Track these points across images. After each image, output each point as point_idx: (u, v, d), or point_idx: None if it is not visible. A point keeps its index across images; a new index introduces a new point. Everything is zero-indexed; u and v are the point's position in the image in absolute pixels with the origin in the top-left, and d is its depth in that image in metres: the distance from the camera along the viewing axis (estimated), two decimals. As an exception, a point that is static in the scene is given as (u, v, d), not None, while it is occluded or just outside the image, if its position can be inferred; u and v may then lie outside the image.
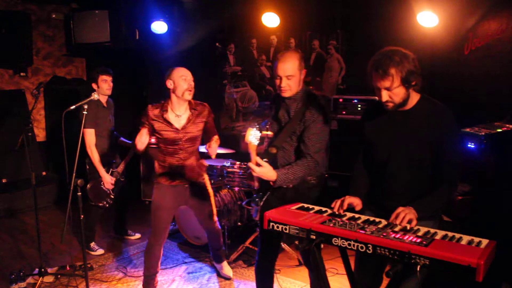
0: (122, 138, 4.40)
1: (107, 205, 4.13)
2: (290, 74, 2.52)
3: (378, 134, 2.26)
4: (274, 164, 2.59)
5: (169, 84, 3.11)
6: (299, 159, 2.56)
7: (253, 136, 2.48)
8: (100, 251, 4.28)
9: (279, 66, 2.53)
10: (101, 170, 4.00)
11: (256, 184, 2.74)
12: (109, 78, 4.09)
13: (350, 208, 2.27)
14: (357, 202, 2.26)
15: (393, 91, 2.05)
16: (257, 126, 2.55)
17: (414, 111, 2.14)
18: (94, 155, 3.95)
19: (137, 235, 4.70)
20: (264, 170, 2.42)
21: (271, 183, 2.49)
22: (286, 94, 2.59)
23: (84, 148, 3.90)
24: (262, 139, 2.62)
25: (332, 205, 2.27)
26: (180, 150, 3.20)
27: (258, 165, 2.44)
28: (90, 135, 3.95)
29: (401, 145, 2.16)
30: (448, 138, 2.08)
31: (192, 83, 3.13)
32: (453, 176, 2.12)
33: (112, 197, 4.13)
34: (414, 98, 2.14)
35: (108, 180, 4.04)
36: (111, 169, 4.12)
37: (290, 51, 2.61)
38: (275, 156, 2.59)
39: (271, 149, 2.59)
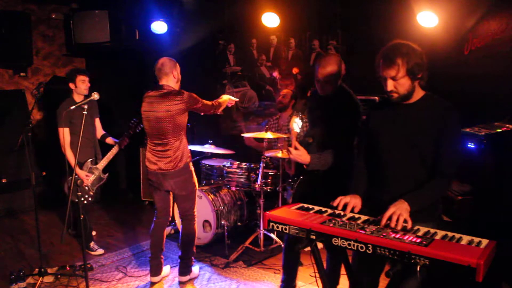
0: (111, 138, 4.38)
1: (85, 202, 4.09)
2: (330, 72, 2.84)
3: (382, 126, 2.28)
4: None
5: (177, 75, 3.45)
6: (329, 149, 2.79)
7: (296, 123, 2.82)
8: (100, 251, 4.28)
9: (319, 71, 2.83)
10: (76, 168, 3.97)
11: (292, 169, 3.16)
12: (87, 79, 4.12)
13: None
14: (357, 203, 2.26)
15: (398, 81, 2.09)
16: (300, 115, 2.91)
17: (418, 104, 2.17)
18: (68, 154, 3.93)
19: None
20: (300, 153, 2.68)
21: (304, 166, 2.72)
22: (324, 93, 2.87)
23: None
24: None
25: (335, 204, 2.27)
26: None
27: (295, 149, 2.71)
28: (64, 134, 3.93)
29: (404, 137, 2.17)
30: (450, 134, 2.09)
31: None
32: (450, 171, 2.12)
33: (92, 193, 4.12)
34: (420, 93, 2.18)
35: (83, 177, 4.03)
36: (90, 166, 4.12)
37: (330, 55, 2.99)
38: (310, 145, 2.85)
39: (308, 139, 2.89)
